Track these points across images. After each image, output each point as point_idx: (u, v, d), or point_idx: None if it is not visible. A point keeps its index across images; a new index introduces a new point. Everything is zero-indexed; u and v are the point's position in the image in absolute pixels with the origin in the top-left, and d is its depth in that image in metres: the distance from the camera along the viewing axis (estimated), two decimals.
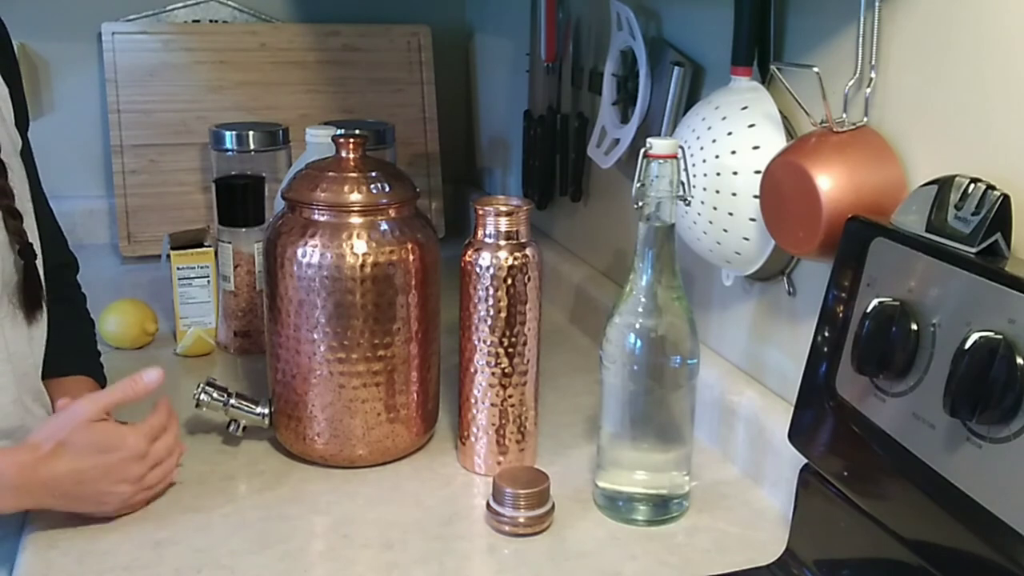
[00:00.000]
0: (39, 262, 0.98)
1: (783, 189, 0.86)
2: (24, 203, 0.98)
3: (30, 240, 0.96)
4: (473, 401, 1.01)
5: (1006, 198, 0.69)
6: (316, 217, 0.99)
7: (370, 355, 1.00)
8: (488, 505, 0.94)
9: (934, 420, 0.69)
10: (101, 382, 1.09)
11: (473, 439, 1.03)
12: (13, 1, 1.09)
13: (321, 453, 1.03)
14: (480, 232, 0.99)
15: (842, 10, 0.87)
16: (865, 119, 0.85)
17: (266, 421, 1.06)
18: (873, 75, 0.85)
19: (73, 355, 1.07)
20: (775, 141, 0.91)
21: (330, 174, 1.01)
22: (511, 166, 1.78)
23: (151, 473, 0.92)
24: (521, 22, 1.58)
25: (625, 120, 1.24)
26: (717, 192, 0.94)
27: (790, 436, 0.87)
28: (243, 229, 1.32)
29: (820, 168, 0.82)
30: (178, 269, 1.32)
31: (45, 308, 0.99)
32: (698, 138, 0.95)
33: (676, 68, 1.13)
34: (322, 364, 1.00)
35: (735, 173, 0.92)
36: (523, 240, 0.99)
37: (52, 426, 0.89)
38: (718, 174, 0.93)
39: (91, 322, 1.16)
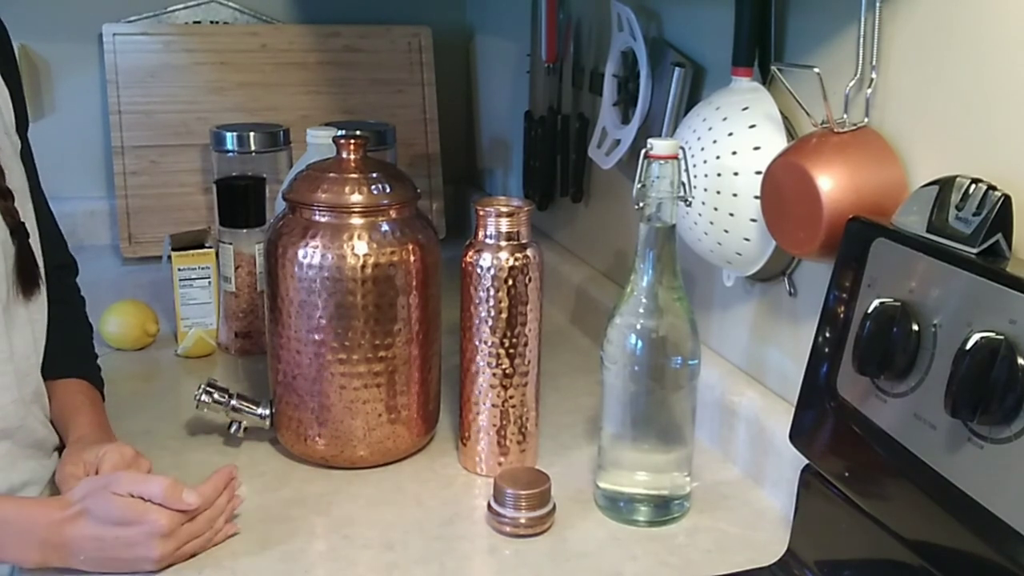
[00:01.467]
0: (32, 240, 0.96)
1: (784, 190, 0.86)
2: (23, 201, 0.98)
3: (22, 219, 0.95)
4: (474, 402, 1.01)
5: (1007, 199, 0.69)
6: (317, 218, 1.00)
7: (371, 356, 1.00)
8: (489, 506, 0.94)
9: (935, 421, 0.69)
10: (97, 386, 1.09)
11: (474, 440, 1.03)
12: (13, 2, 1.08)
13: (322, 454, 1.03)
14: (481, 233, 0.99)
15: (842, 10, 0.87)
16: (866, 119, 0.85)
17: (267, 422, 1.06)
18: (874, 75, 0.85)
19: (70, 358, 1.07)
20: (776, 142, 0.91)
21: (331, 175, 1.01)
22: (512, 167, 1.78)
23: (187, 545, 0.86)
24: (522, 23, 1.58)
25: (626, 121, 1.24)
26: (718, 193, 0.94)
27: (791, 437, 0.87)
28: (244, 230, 1.32)
29: (821, 169, 0.82)
30: (179, 270, 1.32)
31: (44, 295, 0.99)
32: (699, 139, 0.95)
33: (677, 69, 1.13)
34: (323, 365, 1.00)
35: (736, 174, 0.92)
36: (524, 241, 0.99)
37: (87, 487, 0.86)
38: (719, 175, 0.93)
39: (89, 325, 1.15)
